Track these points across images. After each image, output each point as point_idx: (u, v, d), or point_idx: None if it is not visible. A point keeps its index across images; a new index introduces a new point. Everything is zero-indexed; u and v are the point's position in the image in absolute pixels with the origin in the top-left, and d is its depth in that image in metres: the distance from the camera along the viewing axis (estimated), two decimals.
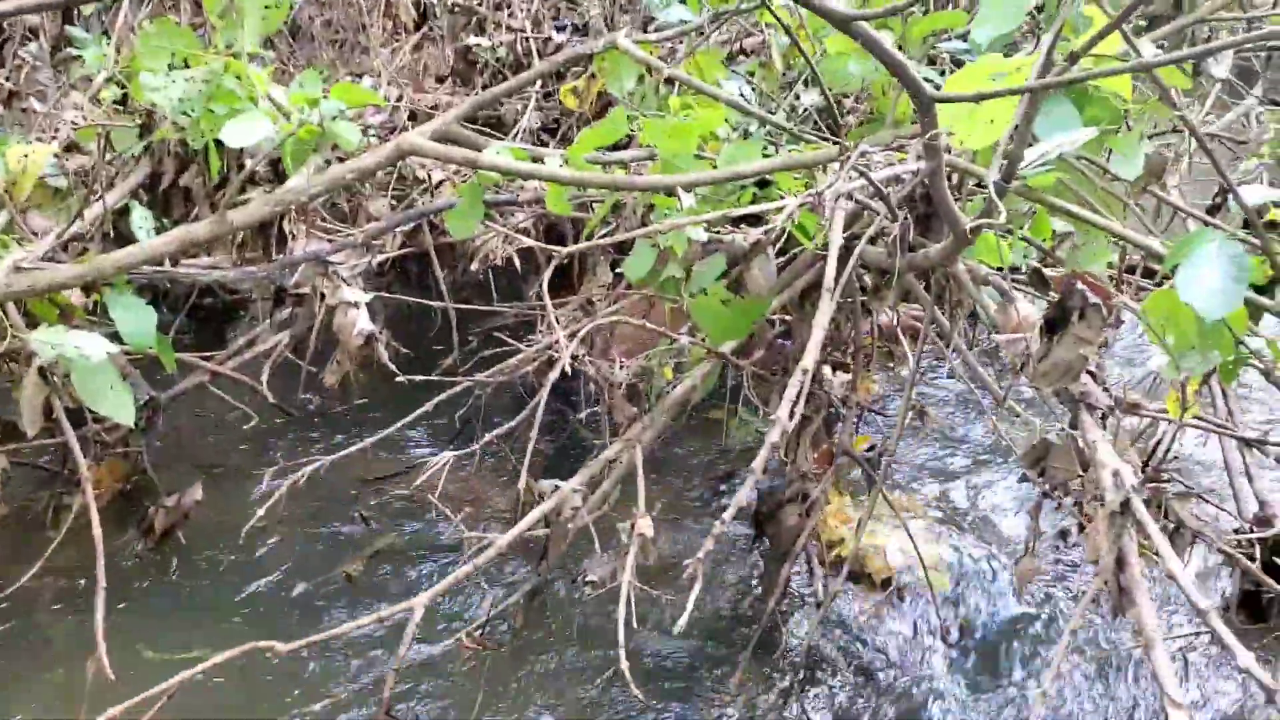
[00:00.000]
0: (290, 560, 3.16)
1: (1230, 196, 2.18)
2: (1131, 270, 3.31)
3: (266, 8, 2.78)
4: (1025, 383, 1.87)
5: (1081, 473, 1.87)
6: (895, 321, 3.23)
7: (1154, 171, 2.13)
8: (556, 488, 2.55)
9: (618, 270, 2.84)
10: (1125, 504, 1.60)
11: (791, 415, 1.63)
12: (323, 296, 3.03)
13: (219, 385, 3.47)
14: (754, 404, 2.94)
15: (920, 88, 1.58)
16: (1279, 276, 1.99)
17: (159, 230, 2.87)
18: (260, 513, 2.73)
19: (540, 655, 2.86)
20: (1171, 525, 2.11)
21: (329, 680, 2.77)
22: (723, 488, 3.63)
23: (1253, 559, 2.66)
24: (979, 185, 2.23)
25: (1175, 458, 3.78)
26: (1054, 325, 1.74)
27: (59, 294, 2.64)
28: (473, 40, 4.18)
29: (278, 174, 3.06)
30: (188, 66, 2.65)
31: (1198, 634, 2.89)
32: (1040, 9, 2.31)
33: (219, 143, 2.54)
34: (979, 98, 1.59)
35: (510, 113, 4.02)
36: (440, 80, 4.64)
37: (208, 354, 3.46)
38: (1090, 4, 1.83)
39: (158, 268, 2.79)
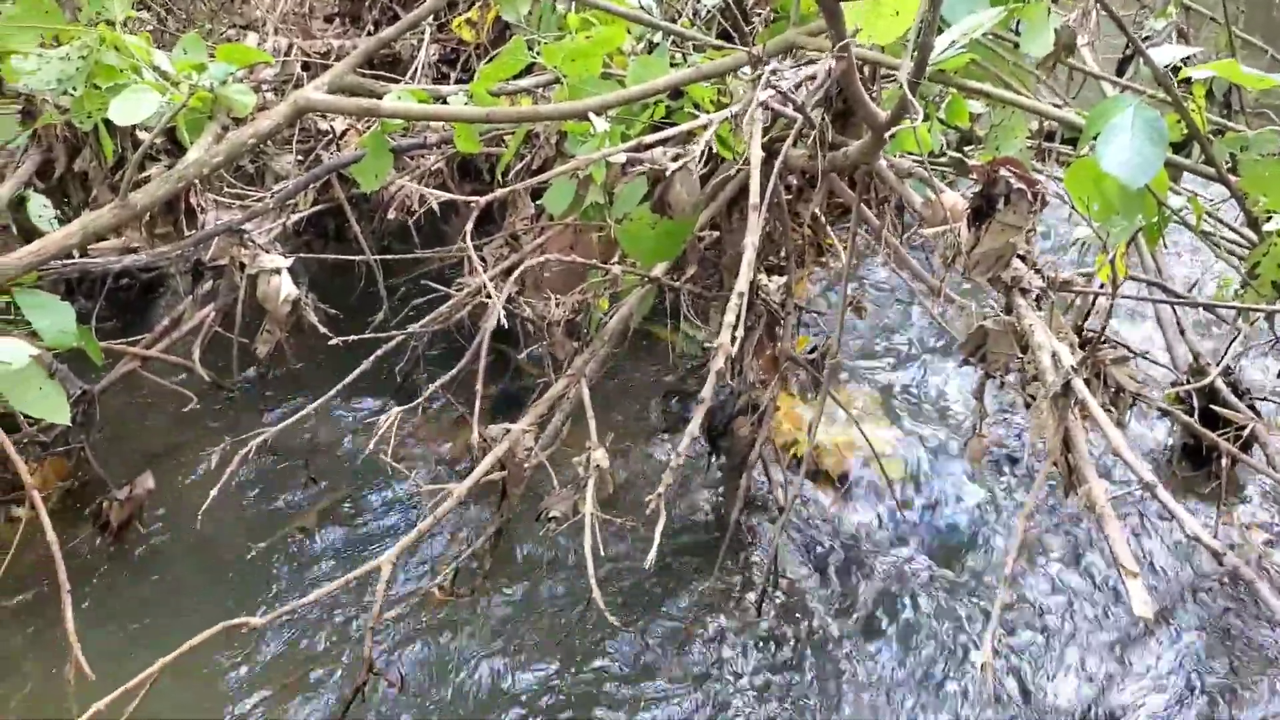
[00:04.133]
0: (249, 533, 3.13)
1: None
2: (1051, 137, 3.32)
3: None
4: (958, 272, 1.87)
5: (1021, 355, 1.89)
6: (824, 218, 3.22)
7: (1065, 45, 2.11)
8: (507, 430, 2.53)
9: (540, 201, 2.77)
10: (1066, 386, 1.62)
11: (733, 340, 1.62)
12: (242, 266, 2.94)
13: (152, 367, 3.38)
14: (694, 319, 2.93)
15: None
16: (1194, 134, 2.00)
17: (59, 219, 2.75)
18: (214, 493, 2.69)
19: (511, 595, 2.88)
20: (1111, 391, 2.15)
21: (308, 646, 2.77)
22: (674, 404, 3.63)
23: (1190, 411, 2.74)
24: (894, 72, 2.21)
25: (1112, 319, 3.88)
26: (980, 214, 1.73)
27: None
28: None
29: (175, 144, 2.93)
30: (60, 44, 2.51)
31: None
32: None
33: (108, 121, 2.43)
34: None
35: (406, 49, 3.87)
36: (329, 20, 4.45)
37: (134, 338, 3.36)
38: None
39: (67, 261, 2.68)
